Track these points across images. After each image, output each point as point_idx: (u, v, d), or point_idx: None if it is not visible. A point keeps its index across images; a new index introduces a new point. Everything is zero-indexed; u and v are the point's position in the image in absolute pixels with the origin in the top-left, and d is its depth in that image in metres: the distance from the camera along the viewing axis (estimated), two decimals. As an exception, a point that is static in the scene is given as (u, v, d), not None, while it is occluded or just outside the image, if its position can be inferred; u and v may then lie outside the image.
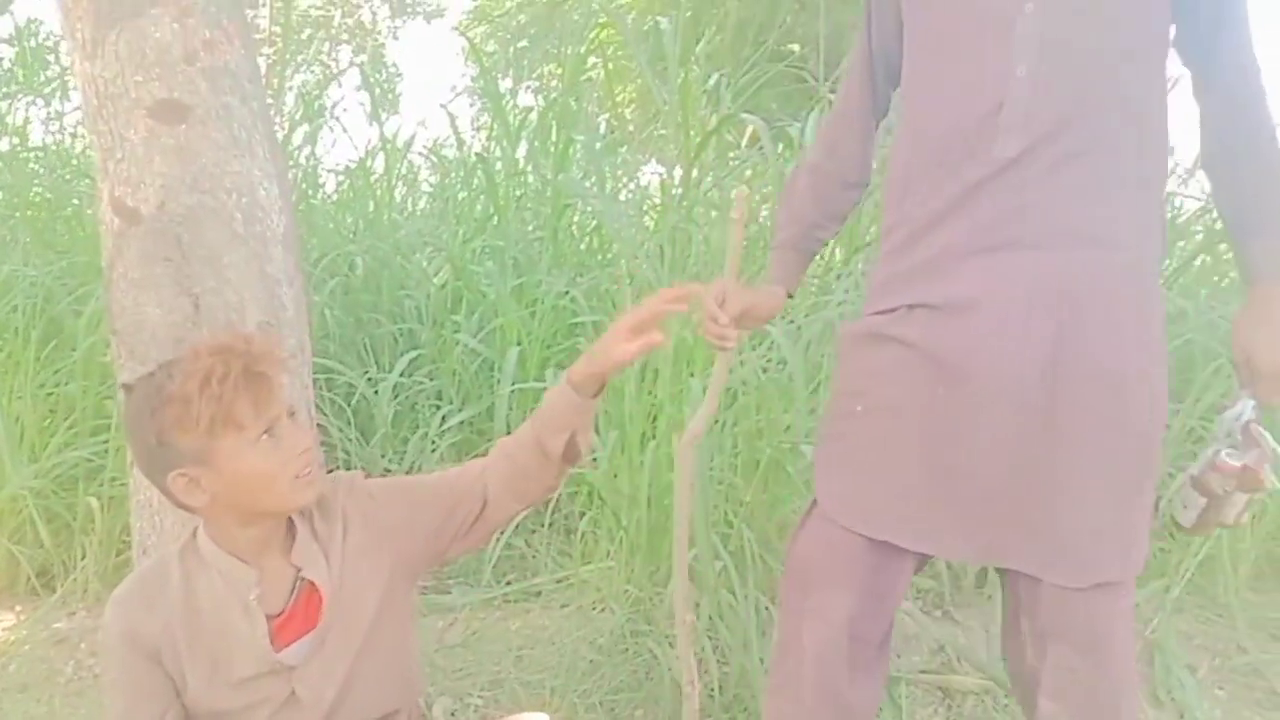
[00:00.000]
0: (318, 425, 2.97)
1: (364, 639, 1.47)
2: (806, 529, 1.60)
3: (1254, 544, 2.84)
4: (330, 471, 1.54)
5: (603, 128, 4.76)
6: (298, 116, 4.28)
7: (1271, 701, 2.47)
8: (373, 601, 1.48)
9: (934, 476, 1.43)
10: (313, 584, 1.44)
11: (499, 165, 3.81)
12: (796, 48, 3.60)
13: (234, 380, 1.30)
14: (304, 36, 16.34)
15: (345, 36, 16.95)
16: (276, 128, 3.84)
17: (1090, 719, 1.46)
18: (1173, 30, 1.42)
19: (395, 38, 18.27)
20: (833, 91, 3.18)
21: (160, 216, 1.62)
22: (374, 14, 17.94)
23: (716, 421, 2.46)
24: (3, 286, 2.72)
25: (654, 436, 2.52)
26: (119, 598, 1.40)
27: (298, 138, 3.98)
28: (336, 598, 1.45)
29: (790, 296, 1.66)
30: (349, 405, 3.17)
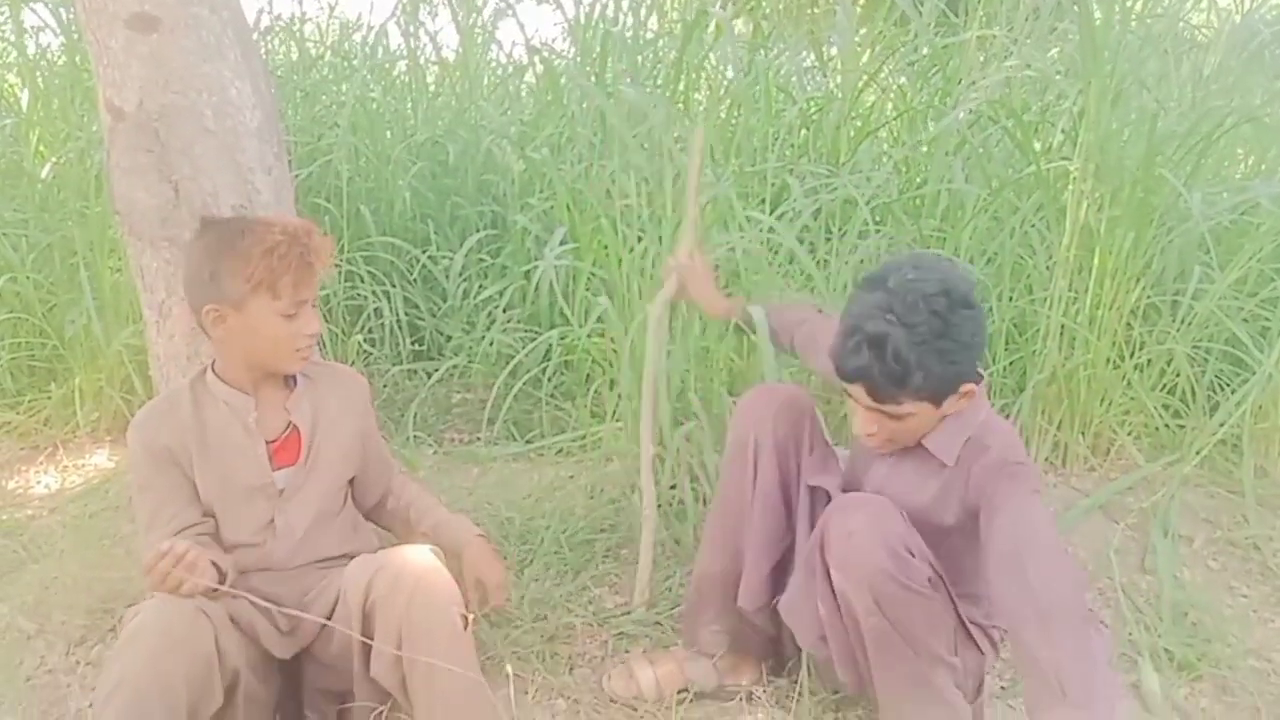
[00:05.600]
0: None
1: (329, 491, 1.83)
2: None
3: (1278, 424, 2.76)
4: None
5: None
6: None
7: (1263, 575, 2.47)
8: (339, 465, 1.84)
9: None
10: (298, 429, 1.78)
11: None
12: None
13: (289, 260, 1.63)
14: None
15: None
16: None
17: None
18: None
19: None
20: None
21: (140, 114, 1.91)
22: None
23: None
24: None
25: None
26: (138, 422, 1.75)
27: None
28: (314, 445, 1.79)
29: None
30: (414, 277, 3.53)
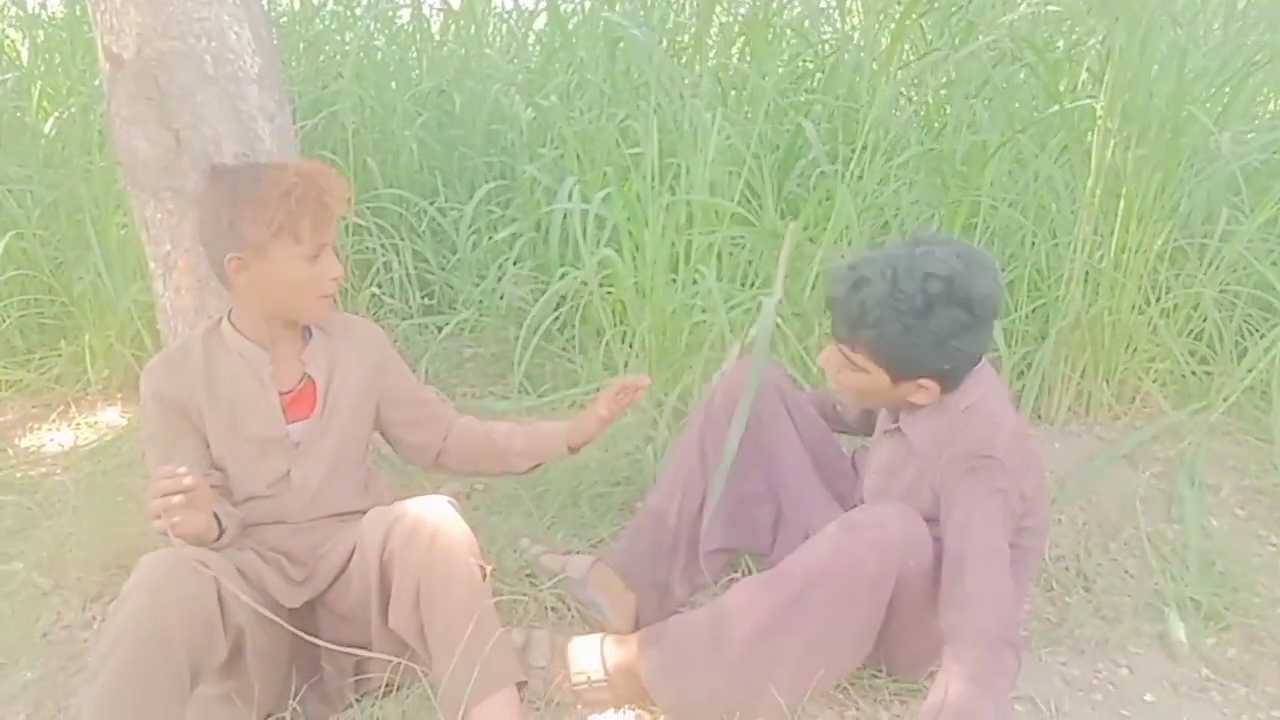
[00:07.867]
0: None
1: (345, 444, 1.80)
2: None
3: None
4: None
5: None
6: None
7: (1290, 522, 2.42)
8: (355, 419, 1.81)
9: None
10: (314, 381, 1.76)
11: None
12: None
13: (306, 202, 1.60)
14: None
15: None
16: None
17: None
18: None
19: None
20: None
21: (139, 61, 1.85)
22: None
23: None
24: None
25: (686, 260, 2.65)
26: (150, 369, 1.72)
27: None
28: (330, 397, 1.76)
29: None
30: (422, 230, 3.47)
